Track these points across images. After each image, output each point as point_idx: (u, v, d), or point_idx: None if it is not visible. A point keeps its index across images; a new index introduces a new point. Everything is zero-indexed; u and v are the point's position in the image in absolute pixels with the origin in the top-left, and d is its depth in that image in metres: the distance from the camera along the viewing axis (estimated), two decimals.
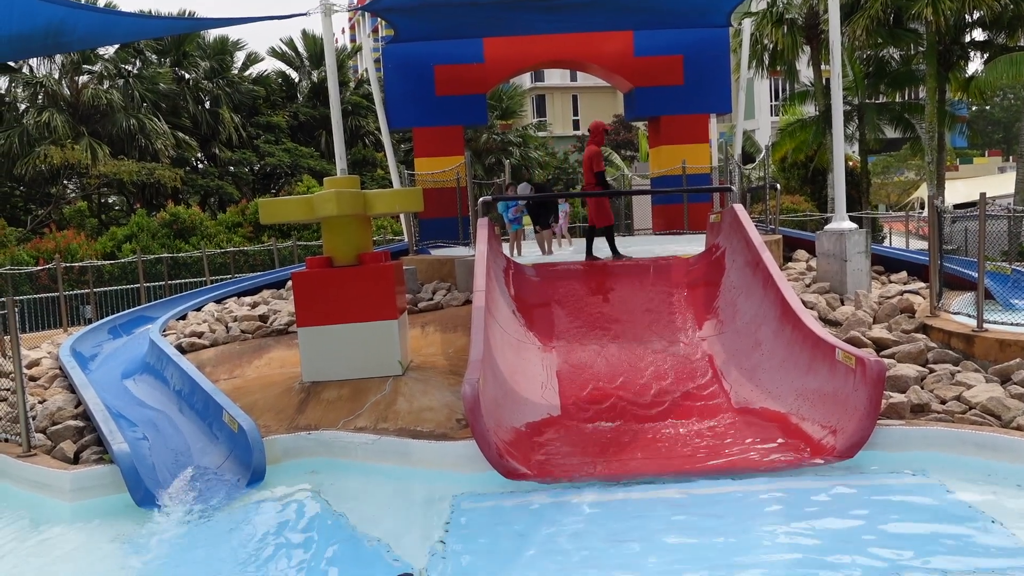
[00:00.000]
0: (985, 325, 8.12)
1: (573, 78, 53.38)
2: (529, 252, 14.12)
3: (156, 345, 9.99)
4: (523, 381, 8.04)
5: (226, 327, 11.48)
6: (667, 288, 10.19)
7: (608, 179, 30.01)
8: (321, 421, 7.54)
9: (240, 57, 35.88)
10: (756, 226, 10.29)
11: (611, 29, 16.43)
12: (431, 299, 11.62)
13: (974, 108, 46.55)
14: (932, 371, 7.66)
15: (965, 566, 4.56)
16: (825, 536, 5.04)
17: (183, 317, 13.02)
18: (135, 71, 32.05)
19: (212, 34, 34.03)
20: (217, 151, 34.09)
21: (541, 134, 44.54)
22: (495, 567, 4.91)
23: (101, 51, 30.24)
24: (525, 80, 50.71)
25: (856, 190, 28.21)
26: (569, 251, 14.42)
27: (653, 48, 16.68)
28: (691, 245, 12.26)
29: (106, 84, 30.67)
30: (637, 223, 20.16)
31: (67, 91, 29.54)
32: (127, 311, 15.14)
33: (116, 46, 30.15)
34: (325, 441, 7.20)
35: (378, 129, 28.20)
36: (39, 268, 19.54)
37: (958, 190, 31.57)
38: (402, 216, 16.17)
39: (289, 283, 13.08)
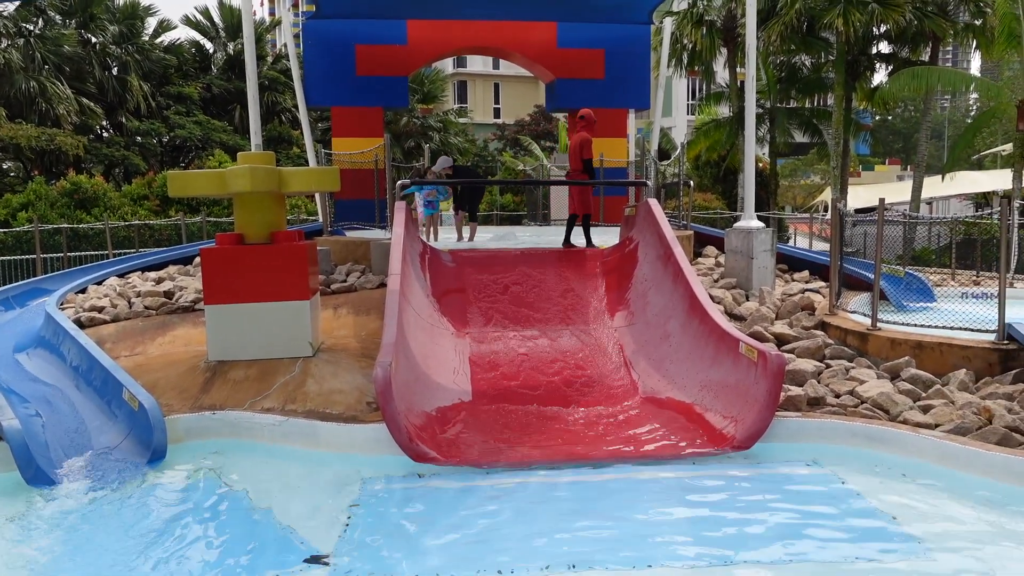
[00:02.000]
0: (879, 324, 8.54)
1: (495, 66, 53.35)
2: (446, 238, 14.08)
3: (52, 318, 9.54)
4: (435, 366, 8.04)
5: (128, 303, 11.08)
6: (581, 278, 10.34)
7: (528, 169, 30.03)
8: (227, 401, 7.36)
9: (152, 23, 34.56)
10: (669, 221, 10.52)
11: (535, 19, 16.53)
12: (344, 281, 11.47)
13: (877, 118, 48.73)
14: (828, 366, 8.01)
15: (850, 551, 4.80)
16: (717, 521, 5.23)
17: (83, 291, 12.48)
18: (37, 31, 30.41)
19: None
20: (124, 120, 32.71)
21: (462, 120, 44.44)
22: (402, 549, 4.91)
23: None
24: (447, 65, 50.39)
25: (765, 191, 29.19)
26: (487, 238, 14.44)
27: (576, 40, 16.86)
28: (606, 237, 12.44)
29: (4, 43, 29.03)
30: (554, 213, 20.39)
31: None
32: (21, 282, 14.41)
33: (15, 2, 28.54)
34: (230, 421, 7.04)
35: (295, 106, 27.55)
36: None
37: (860, 195, 33.05)
38: (317, 196, 15.87)
39: (197, 260, 12.71)
